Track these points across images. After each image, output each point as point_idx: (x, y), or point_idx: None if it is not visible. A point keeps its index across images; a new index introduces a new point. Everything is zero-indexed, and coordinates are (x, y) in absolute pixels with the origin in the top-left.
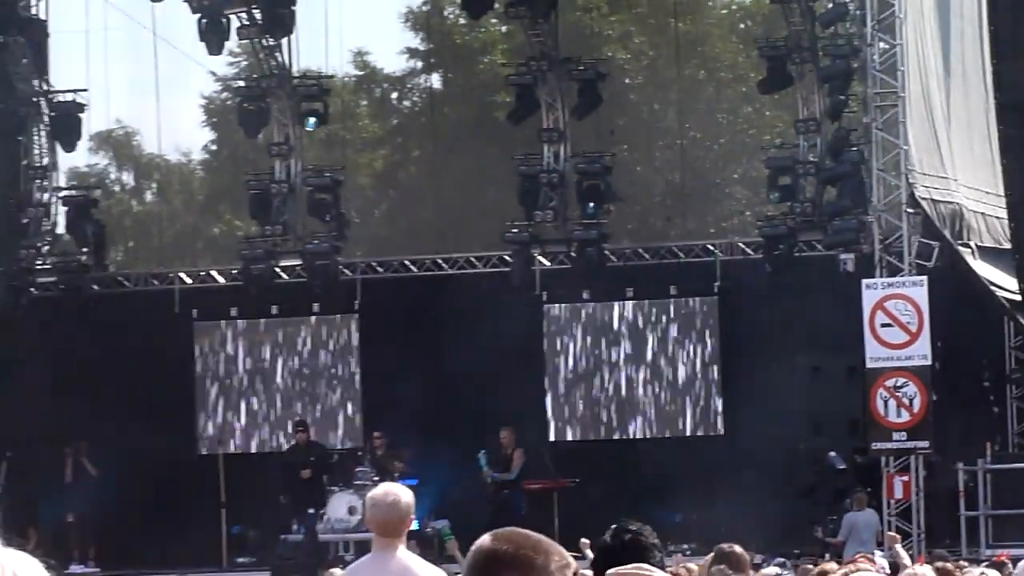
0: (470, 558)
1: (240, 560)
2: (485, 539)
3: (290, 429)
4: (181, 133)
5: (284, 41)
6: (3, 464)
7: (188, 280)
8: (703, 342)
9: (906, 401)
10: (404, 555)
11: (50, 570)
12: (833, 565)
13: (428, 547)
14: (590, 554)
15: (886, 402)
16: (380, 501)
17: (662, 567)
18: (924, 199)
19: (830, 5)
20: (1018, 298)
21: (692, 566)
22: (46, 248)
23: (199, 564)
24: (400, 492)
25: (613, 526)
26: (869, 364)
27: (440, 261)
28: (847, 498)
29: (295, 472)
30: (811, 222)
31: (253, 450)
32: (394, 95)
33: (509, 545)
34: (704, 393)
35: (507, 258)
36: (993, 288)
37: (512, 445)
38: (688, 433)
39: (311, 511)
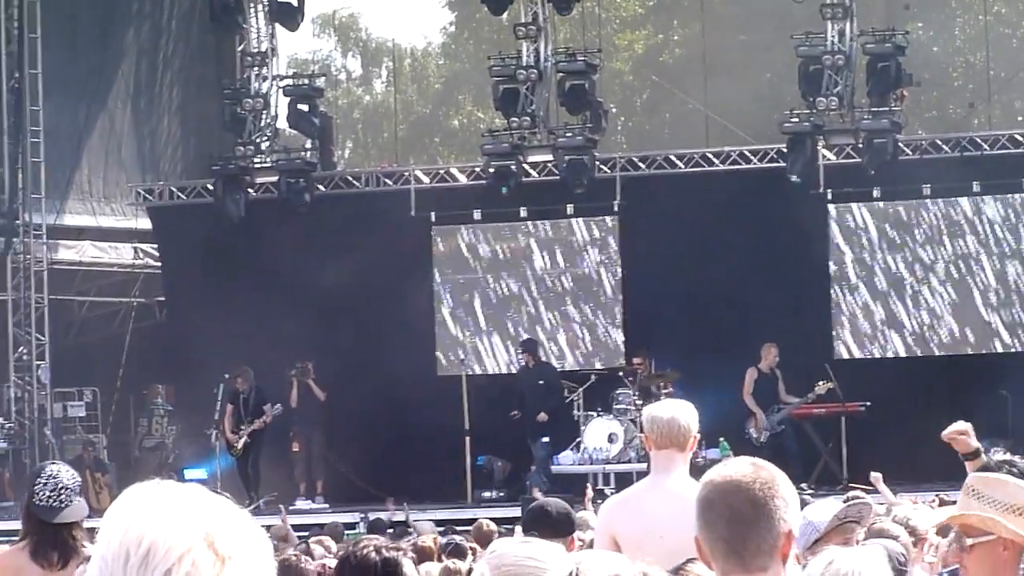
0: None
1: (485, 495)
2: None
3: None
4: (415, 13)
5: None
6: (219, 387)
7: (425, 179)
8: (1016, 250)
9: None
10: (683, 479)
11: (272, 505)
12: None
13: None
14: (883, 488)
15: None
16: (658, 416)
17: None
18: None
19: None
20: None
21: None
22: (266, 144)
23: (439, 499)
24: (680, 407)
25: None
26: None
27: (710, 155)
28: None
29: (521, 400)
30: None
31: (500, 371)
32: None
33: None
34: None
35: (785, 151)
36: None
37: (775, 363)
38: (1001, 349)
39: (544, 439)
